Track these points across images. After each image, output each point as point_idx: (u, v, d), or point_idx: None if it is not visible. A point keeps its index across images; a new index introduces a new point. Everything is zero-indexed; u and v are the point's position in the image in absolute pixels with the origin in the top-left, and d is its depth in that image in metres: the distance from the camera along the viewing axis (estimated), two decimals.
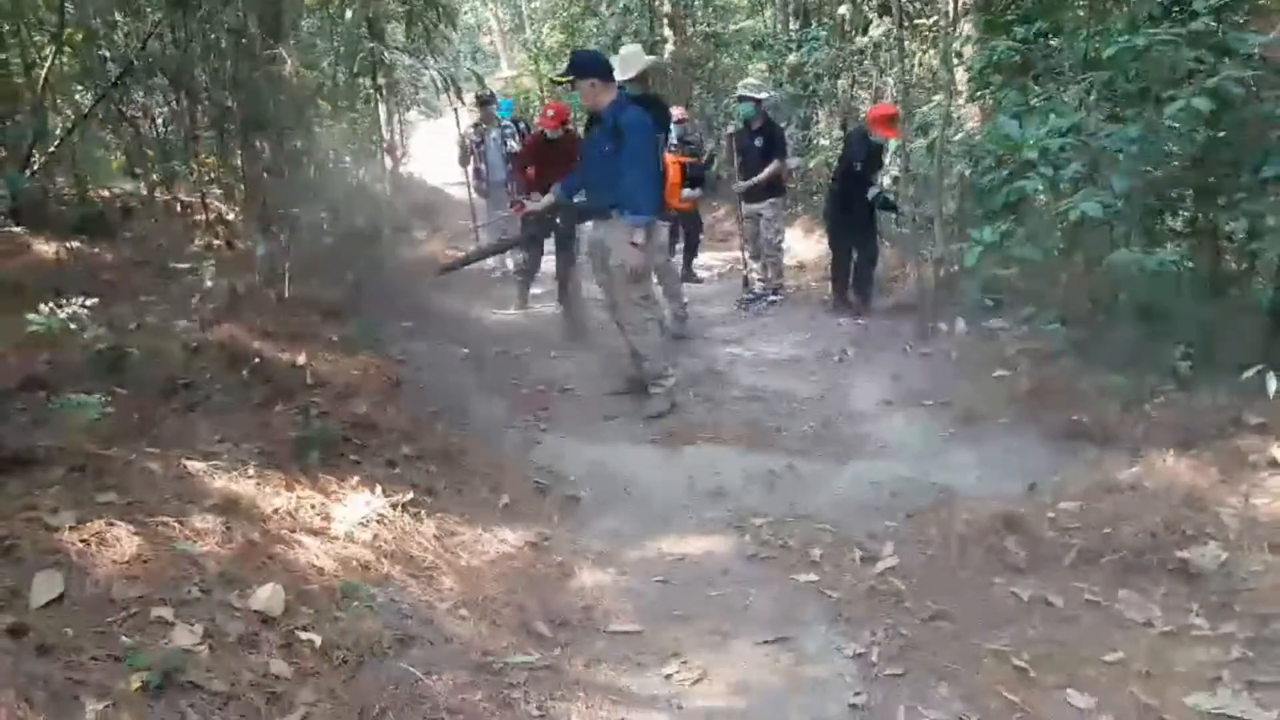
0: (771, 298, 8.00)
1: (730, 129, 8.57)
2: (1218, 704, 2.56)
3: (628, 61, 6.13)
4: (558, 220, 5.60)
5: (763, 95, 8.02)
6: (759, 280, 8.16)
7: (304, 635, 2.36)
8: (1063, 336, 4.92)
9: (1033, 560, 3.28)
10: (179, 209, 7.53)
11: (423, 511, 3.27)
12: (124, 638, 2.14)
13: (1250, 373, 4.10)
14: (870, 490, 4.01)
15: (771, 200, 7.91)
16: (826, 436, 4.76)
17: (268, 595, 2.44)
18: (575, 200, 5.49)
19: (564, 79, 5.03)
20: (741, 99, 7.84)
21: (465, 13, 22.63)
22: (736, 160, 8.02)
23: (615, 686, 2.55)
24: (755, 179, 7.73)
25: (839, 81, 12.00)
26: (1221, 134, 4.81)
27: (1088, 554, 3.30)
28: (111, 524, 2.51)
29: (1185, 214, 5.41)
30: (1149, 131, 4.35)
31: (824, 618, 2.93)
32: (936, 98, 7.47)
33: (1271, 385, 4.03)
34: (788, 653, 2.75)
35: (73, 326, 3.44)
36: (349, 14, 8.75)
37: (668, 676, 2.62)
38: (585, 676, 2.58)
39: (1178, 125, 4.47)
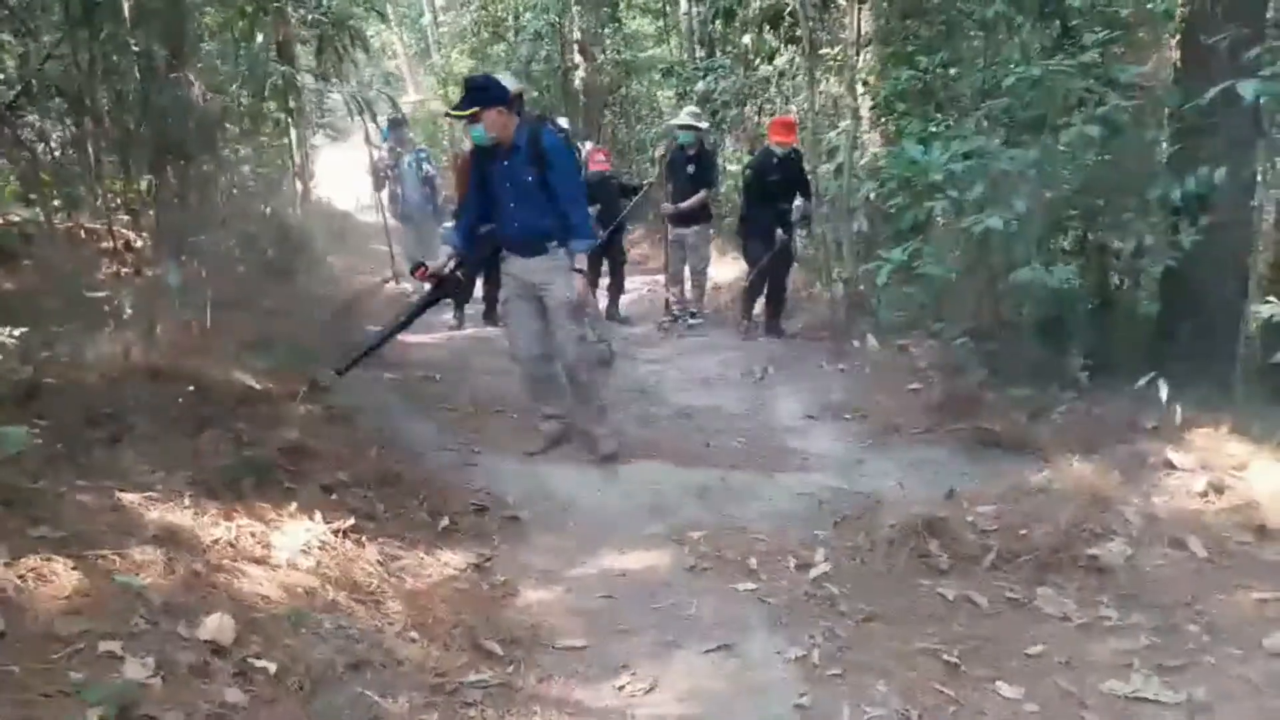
0: (690, 321, 8.14)
1: (661, 152, 8.63)
2: (1131, 689, 2.74)
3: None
4: (459, 274, 4.91)
5: (704, 124, 8.19)
6: (676, 304, 8.30)
7: (257, 663, 2.35)
8: (970, 350, 5.17)
9: (955, 562, 3.46)
10: (83, 235, 7.30)
11: (363, 536, 3.27)
12: (73, 673, 2.11)
13: (1143, 381, 4.38)
14: (799, 500, 4.15)
15: (699, 226, 8.06)
16: (754, 450, 4.89)
17: (216, 625, 2.42)
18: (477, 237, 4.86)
19: (466, 113, 4.48)
20: (683, 127, 7.92)
21: (371, 36, 22.42)
22: (668, 185, 8.10)
23: (569, 700, 2.61)
24: (688, 203, 7.84)
25: (745, 109, 12.31)
26: (1109, 158, 5.15)
27: (1005, 554, 3.48)
28: (48, 559, 2.46)
29: (1077, 233, 5.76)
30: (1045, 156, 4.63)
31: (764, 624, 3.03)
32: (843, 124, 7.73)
33: (1163, 392, 4.32)
34: (732, 659, 2.84)
35: None
36: (259, 37, 8.63)
37: (619, 688, 2.69)
38: (539, 691, 2.62)
39: (1070, 150, 4.77)
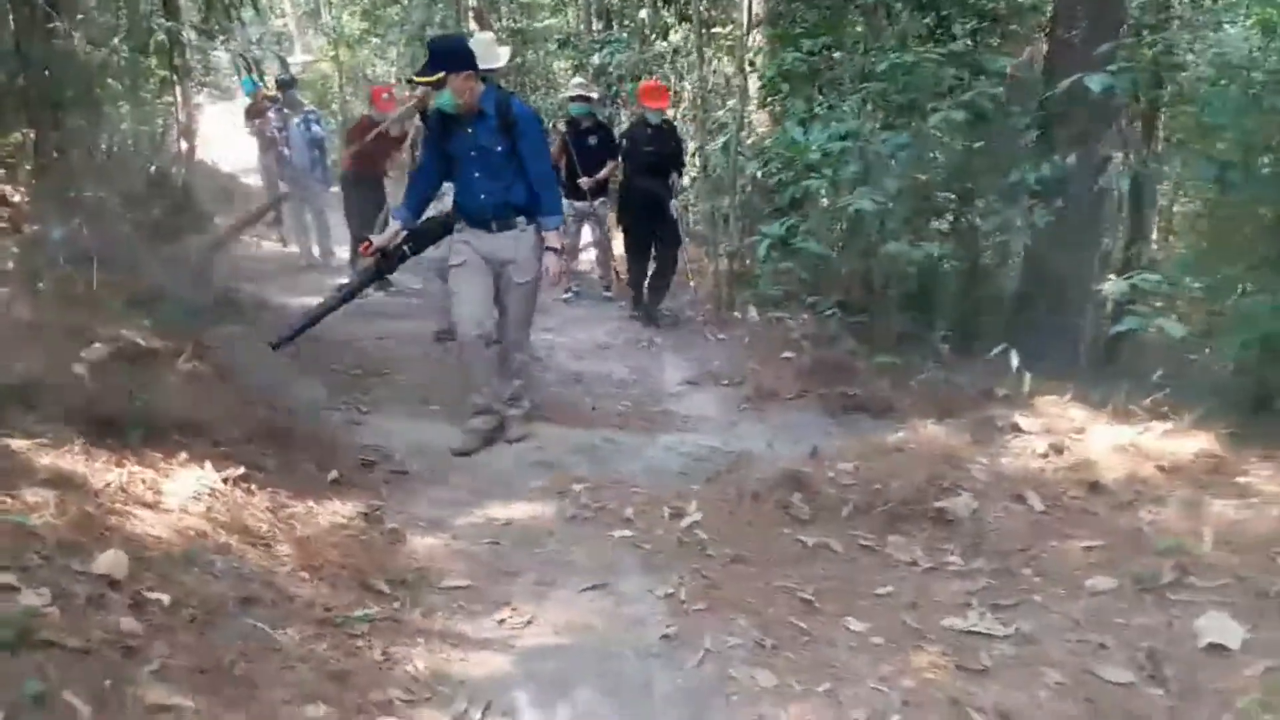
0: (605, 294, 8.24)
1: (560, 125, 8.51)
2: (968, 624, 3.03)
3: (489, 50, 5.52)
4: (406, 249, 4.70)
5: (594, 94, 8.14)
6: (573, 280, 8.37)
7: (151, 596, 2.45)
8: (840, 322, 5.51)
9: (815, 513, 3.74)
10: None
11: (253, 486, 3.36)
12: None
13: (995, 351, 4.76)
14: (678, 458, 4.41)
15: (604, 198, 8.13)
16: (638, 413, 5.13)
17: (111, 560, 2.51)
18: (426, 217, 4.78)
19: (431, 79, 4.26)
20: (574, 99, 7.85)
21: None
22: (572, 156, 7.92)
23: (453, 632, 2.78)
24: (603, 173, 7.80)
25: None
26: (979, 143, 5.53)
27: (862, 507, 3.78)
28: None
29: (948, 214, 6.14)
30: (916, 139, 4.96)
31: (638, 566, 3.26)
32: (730, 102, 7.99)
33: (1014, 361, 4.71)
34: (607, 597, 3.06)
35: None
36: None
37: (500, 622, 2.87)
38: (424, 625, 2.79)
39: (940, 134, 5.11)
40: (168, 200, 8.21)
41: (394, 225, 4.63)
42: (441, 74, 4.22)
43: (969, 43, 5.47)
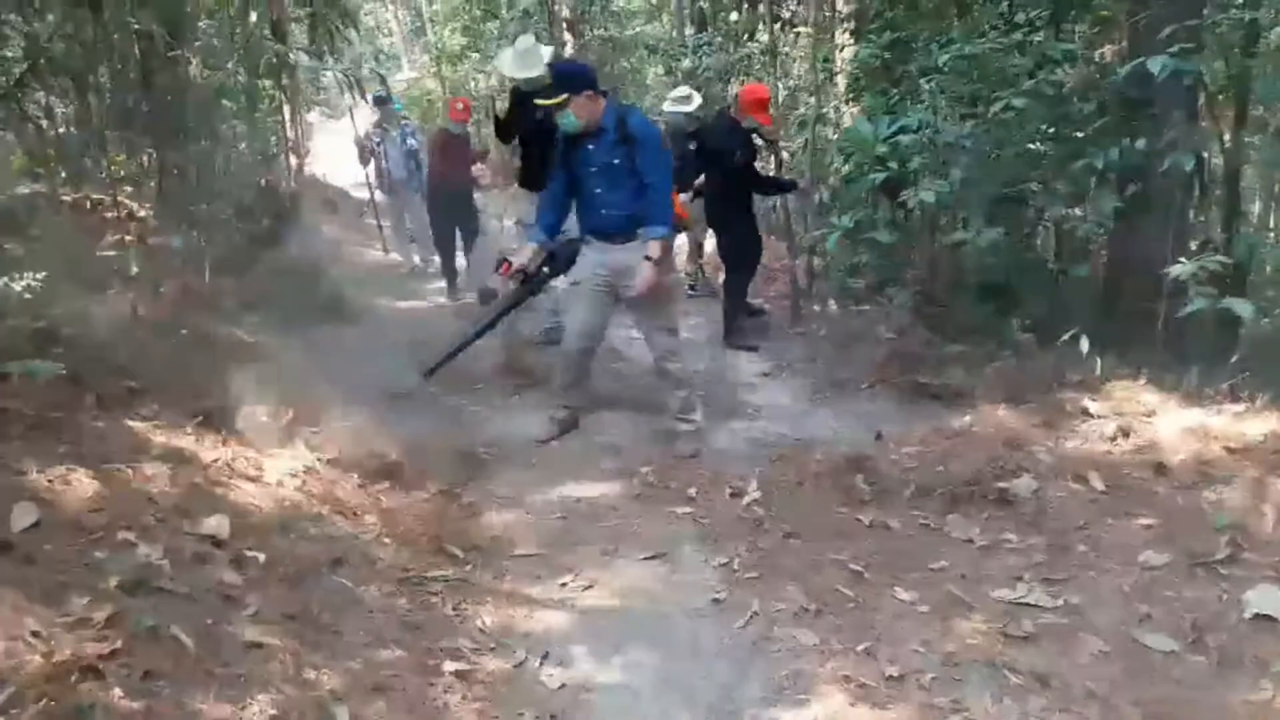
0: (690, 293, 8.37)
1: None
2: (1017, 595, 3.13)
3: (528, 57, 5.79)
4: (545, 269, 4.73)
5: (689, 107, 7.86)
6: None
7: (249, 554, 2.76)
8: (915, 312, 5.56)
9: (876, 494, 3.85)
10: (88, 207, 7.67)
11: (345, 465, 3.67)
12: (96, 553, 2.52)
13: (1066, 337, 4.77)
14: (745, 443, 4.57)
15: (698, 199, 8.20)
16: (710, 403, 5.28)
17: (216, 522, 2.83)
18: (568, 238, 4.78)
19: (556, 101, 4.35)
20: (673, 112, 7.76)
21: (365, 14, 22.71)
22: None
23: (520, 594, 3.02)
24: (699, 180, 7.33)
25: (730, 86, 12.64)
26: (1050, 130, 5.52)
27: (923, 488, 3.87)
28: (71, 469, 2.86)
29: (1025, 202, 6.13)
30: (981, 128, 5.01)
31: (696, 539, 3.45)
32: (809, 99, 8.09)
33: (1084, 346, 4.71)
34: (664, 566, 3.26)
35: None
36: (253, 16, 8.96)
37: (563, 585, 3.10)
38: (493, 586, 3.04)
39: (1008, 123, 5.14)
40: (276, 212, 8.75)
41: (530, 246, 4.68)
42: (565, 96, 4.33)
43: (1042, 32, 5.44)
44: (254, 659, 2.38)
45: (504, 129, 6.29)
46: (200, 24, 9.25)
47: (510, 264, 4.65)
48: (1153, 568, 3.20)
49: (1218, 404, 4.12)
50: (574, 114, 4.36)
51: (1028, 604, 3.07)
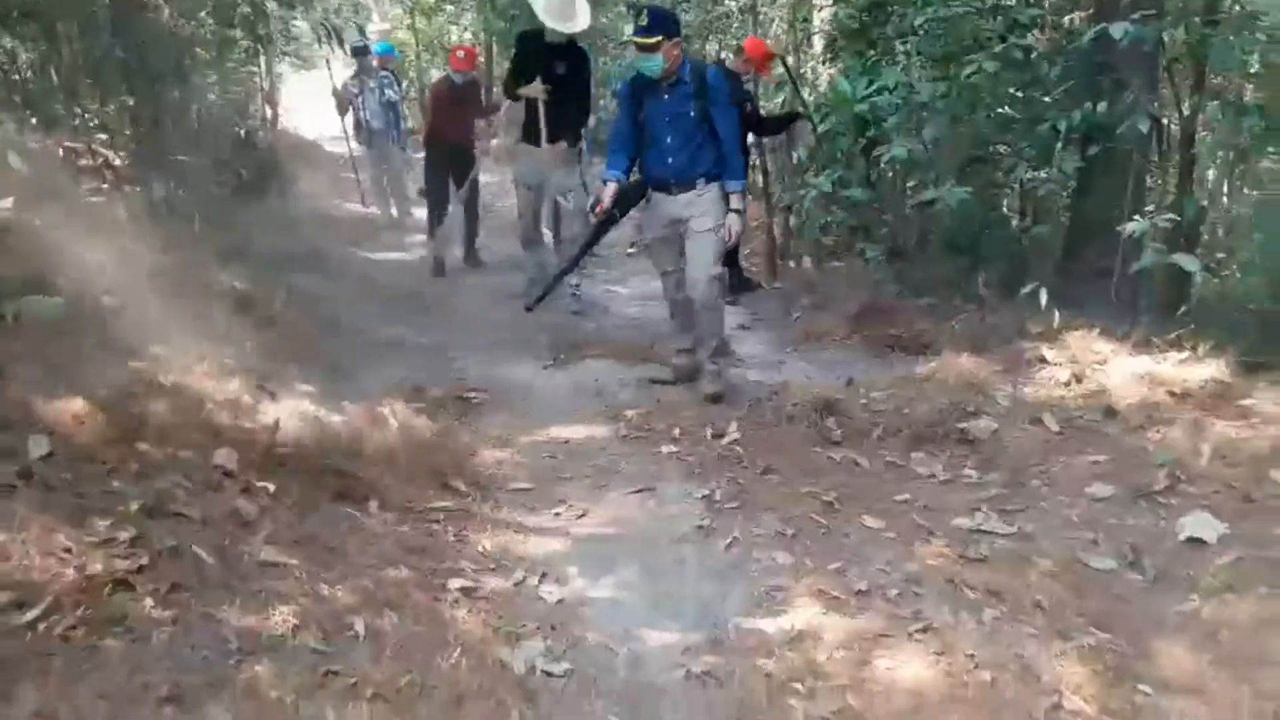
0: None
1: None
2: (974, 524, 3.36)
3: (568, 7, 5.56)
4: (615, 211, 4.71)
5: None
6: None
7: (258, 484, 2.92)
8: (886, 268, 5.78)
9: (846, 434, 4.08)
10: (61, 155, 7.66)
11: (346, 403, 3.83)
12: (114, 481, 2.67)
13: (1026, 291, 5.00)
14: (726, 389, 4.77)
15: None
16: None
17: (225, 454, 2.98)
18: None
19: (651, 40, 4.29)
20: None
21: None
22: None
23: (516, 522, 3.22)
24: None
25: (708, 44, 12.69)
26: (1019, 94, 5.72)
27: (890, 429, 4.11)
28: (79, 404, 3.00)
29: (992, 162, 6.34)
30: (952, 90, 5.19)
31: (680, 475, 3.65)
32: (787, 59, 8.21)
33: (1043, 299, 4.94)
34: (651, 498, 3.46)
35: None
36: None
37: (556, 515, 3.30)
38: (491, 516, 3.23)
39: (979, 84, 5.32)
40: (254, 163, 8.77)
41: (610, 186, 4.64)
42: (659, 38, 4.30)
43: None
44: (271, 576, 2.55)
45: (516, 82, 5.99)
46: None
47: (603, 205, 4.66)
48: (1099, 499, 3.46)
49: (1165, 353, 4.38)
50: (662, 58, 4.36)
51: (984, 531, 3.29)
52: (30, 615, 1.99)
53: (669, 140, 4.51)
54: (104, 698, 1.86)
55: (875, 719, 2.22)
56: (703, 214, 4.53)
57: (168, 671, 1.99)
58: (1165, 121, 5.27)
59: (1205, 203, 6.06)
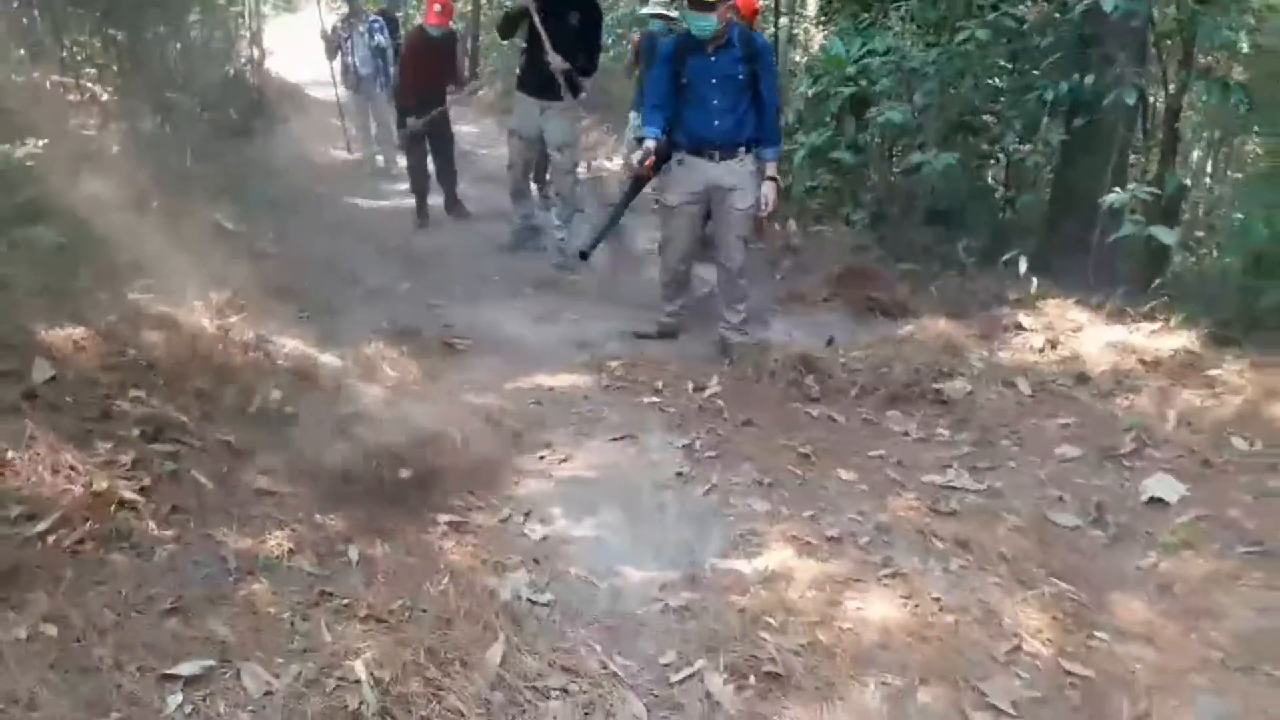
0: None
1: (636, 38, 8.11)
2: (945, 480, 3.48)
3: None
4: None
5: (674, 13, 8.08)
6: None
7: (252, 412, 3.00)
8: (870, 232, 5.86)
9: (825, 391, 4.19)
10: (48, 88, 7.58)
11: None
12: (114, 405, 2.74)
13: (1006, 259, 5.11)
14: (708, 347, 4.86)
15: None
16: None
17: (218, 385, 3.06)
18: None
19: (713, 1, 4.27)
20: (654, 16, 7.46)
21: None
22: (644, 74, 7.36)
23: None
24: None
25: None
26: (1010, 63, 5.79)
27: (867, 388, 4.21)
28: (79, 332, 3.06)
29: (983, 131, 6.41)
30: (946, 56, 5.24)
31: (661, 425, 3.74)
32: (783, 20, 8.23)
33: (1022, 267, 5.05)
34: (633, 446, 3.55)
35: None
36: None
37: (540, 458, 3.39)
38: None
39: (970, 52, 5.38)
40: (241, 104, 8.72)
41: (649, 144, 4.59)
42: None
43: None
44: (266, 503, 2.64)
45: (511, 25, 6.02)
46: None
47: (649, 163, 4.66)
48: (1067, 460, 3.58)
49: (1139, 323, 4.50)
50: (716, 19, 4.34)
51: (954, 487, 3.42)
52: (40, 527, 2.08)
53: (715, 102, 4.50)
54: (110, 607, 1.95)
55: (842, 653, 2.33)
56: (744, 188, 4.56)
57: (171, 586, 2.08)
58: (1151, 98, 5.35)
59: (1189, 180, 6.14)
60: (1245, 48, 5.27)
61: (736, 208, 4.59)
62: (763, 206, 4.62)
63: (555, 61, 5.64)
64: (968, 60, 5.41)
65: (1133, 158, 5.96)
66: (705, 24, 4.37)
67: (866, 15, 6.75)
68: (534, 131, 6.08)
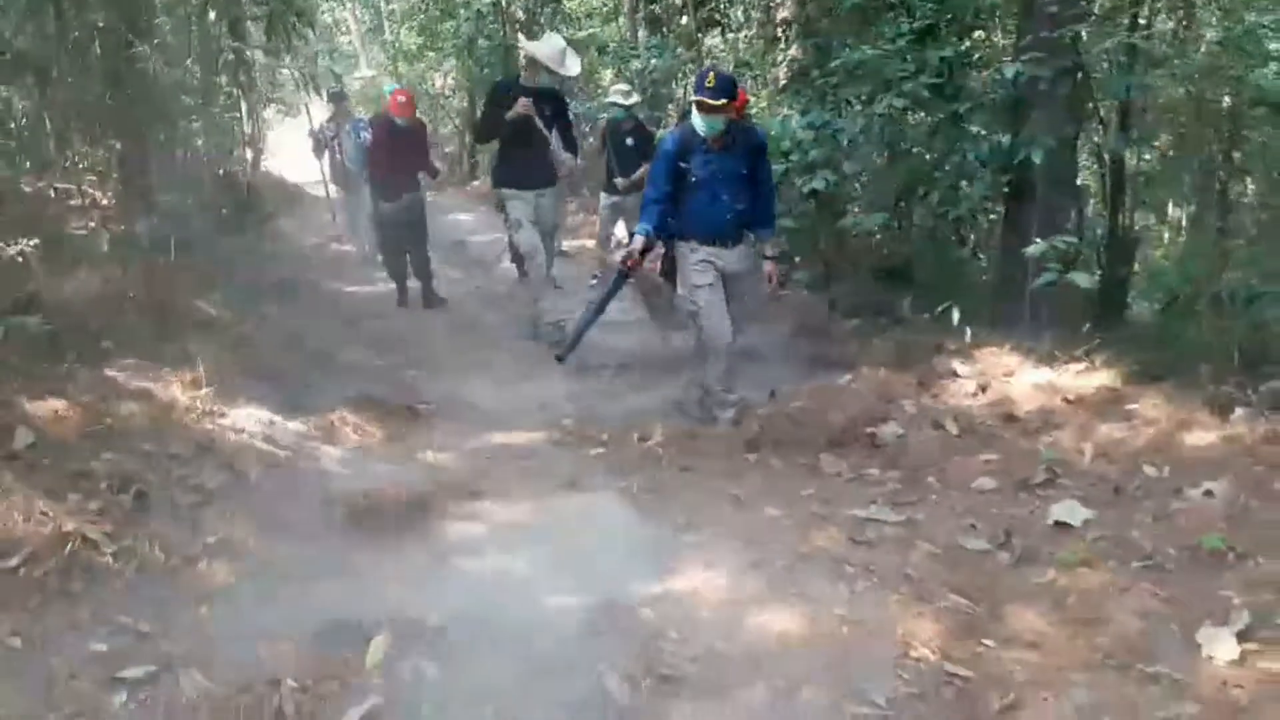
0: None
1: (604, 126, 8.76)
2: (869, 513, 3.71)
3: (566, 57, 6.15)
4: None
5: (631, 101, 8.40)
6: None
7: (217, 472, 3.29)
8: (819, 290, 6.19)
9: (765, 439, 4.44)
10: (53, 195, 8.06)
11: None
12: (88, 464, 3.03)
13: (940, 309, 5.39)
14: (662, 403, 5.15)
15: (637, 194, 8.58)
16: (633, 373, 5.86)
17: (184, 447, 3.36)
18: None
19: (720, 102, 4.52)
20: (613, 105, 8.27)
21: (323, 12, 22.96)
22: (610, 156, 8.26)
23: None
24: (639, 173, 7.85)
25: (675, 87, 13.22)
26: (931, 129, 6.16)
27: (806, 435, 4.47)
28: (59, 405, 3.37)
29: (909, 190, 6.74)
30: (867, 126, 5.64)
31: (604, 472, 4.01)
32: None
33: (955, 318, 5.33)
34: (577, 492, 3.81)
35: None
36: (211, 14, 9.35)
37: (480, 503, 3.65)
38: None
39: (895, 120, 5.77)
40: (234, 202, 9.18)
41: (639, 240, 4.82)
42: (726, 101, 4.56)
43: (926, 40, 5.99)
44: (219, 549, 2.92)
45: (490, 128, 6.45)
46: (159, 21, 9.64)
47: (635, 258, 4.88)
48: (984, 491, 3.81)
49: (1066, 365, 4.77)
50: (724, 120, 4.63)
51: (875, 520, 3.61)
52: (12, 563, 2.36)
53: (724, 198, 4.79)
54: (72, 627, 2.22)
55: (735, 658, 2.56)
56: (752, 270, 5.01)
57: (124, 610, 2.35)
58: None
59: (1126, 224, 6.43)
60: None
61: (749, 288, 5.01)
62: (771, 281, 5.07)
63: (569, 162, 6.25)
64: (897, 127, 5.79)
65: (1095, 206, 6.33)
66: (715, 124, 4.65)
67: (809, 93, 7.18)
68: (533, 217, 6.48)
